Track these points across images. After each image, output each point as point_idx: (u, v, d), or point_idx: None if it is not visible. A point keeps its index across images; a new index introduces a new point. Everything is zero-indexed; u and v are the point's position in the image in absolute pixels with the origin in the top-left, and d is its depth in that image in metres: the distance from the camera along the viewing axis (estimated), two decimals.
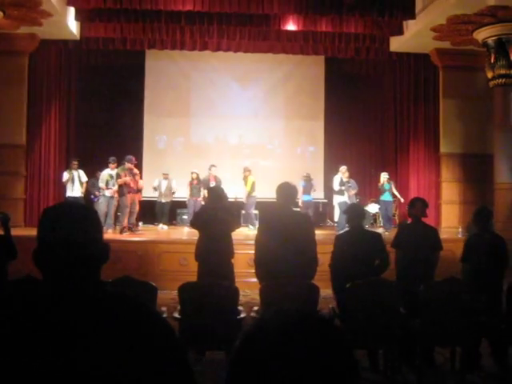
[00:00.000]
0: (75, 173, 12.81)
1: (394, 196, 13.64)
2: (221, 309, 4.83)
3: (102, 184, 12.21)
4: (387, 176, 13.30)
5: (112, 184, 12.15)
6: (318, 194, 15.29)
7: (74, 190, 12.76)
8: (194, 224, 6.67)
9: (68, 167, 13.03)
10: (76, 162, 12.90)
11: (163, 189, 13.71)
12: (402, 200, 13.50)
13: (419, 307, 5.15)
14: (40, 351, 1.33)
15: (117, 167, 12.23)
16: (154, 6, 11.17)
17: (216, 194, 6.72)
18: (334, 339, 1.11)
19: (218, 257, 6.19)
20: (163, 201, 13.67)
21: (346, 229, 6.29)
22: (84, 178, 12.94)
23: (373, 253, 5.65)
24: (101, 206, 12.02)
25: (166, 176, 13.82)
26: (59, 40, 13.05)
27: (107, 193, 12.11)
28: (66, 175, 12.84)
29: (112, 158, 12.38)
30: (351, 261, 5.54)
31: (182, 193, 13.83)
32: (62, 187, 13.05)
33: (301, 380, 1.04)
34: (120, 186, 12.06)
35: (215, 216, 6.33)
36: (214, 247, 6.21)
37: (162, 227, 13.41)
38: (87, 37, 12.93)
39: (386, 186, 13.20)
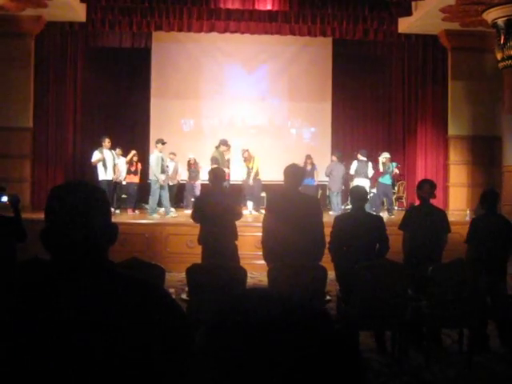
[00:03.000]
0: (108, 153, 12.04)
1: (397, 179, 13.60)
2: (228, 291, 4.84)
3: (157, 168, 11.69)
4: (389, 156, 13.13)
5: (165, 167, 11.93)
6: (323, 177, 15.24)
7: (108, 173, 11.95)
8: (193, 218, 6.50)
9: (100, 146, 12.13)
10: (109, 140, 12.11)
11: (170, 171, 13.14)
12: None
13: (427, 289, 5.15)
14: (49, 331, 1.33)
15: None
16: None
17: (214, 175, 6.54)
18: (327, 336, 0.99)
19: (222, 240, 6.11)
20: (170, 183, 13.13)
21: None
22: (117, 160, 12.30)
23: (374, 236, 5.64)
24: (156, 193, 11.71)
25: (173, 157, 13.41)
26: (65, 22, 12.96)
27: (163, 177, 11.76)
28: (96, 155, 11.93)
29: (160, 139, 11.98)
30: (353, 243, 5.54)
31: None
32: (90, 169, 12.45)
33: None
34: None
35: (217, 202, 6.17)
36: (217, 231, 6.12)
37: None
38: (93, 18, 12.82)
39: (390, 168, 12.99)
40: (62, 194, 1.50)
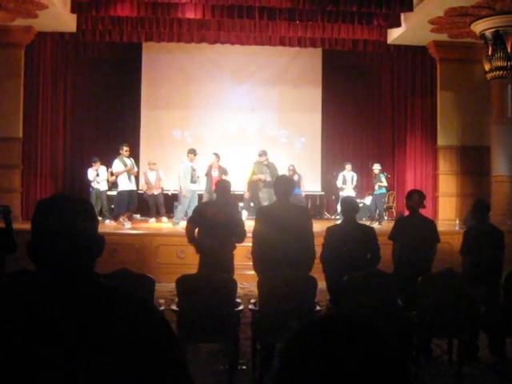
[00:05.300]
0: (128, 161, 11.68)
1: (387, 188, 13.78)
2: (219, 301, 4.83)
3: (185, 179, 11.57)
4: (379, 167, 13.50)
5: (196, 177, 11.81)
6: (315, 187, 15.28)
7: (132, 182, 11.71)
8: (187, 230, 6.26)
9: (118, 155, 11.82)
10: (128, 148, 11.80)
11: (153, 180, 13.17)
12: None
13: (416, 299, 5.16)
14: (33, 344, 1.32)
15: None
16: None
17: (222, 187, 6.41)
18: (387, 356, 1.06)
19: (221, 251, 6.02)
20: (155, 193, 13.12)
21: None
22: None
23: (365, 246, 5.66)
24: (185, 201, 11.57)
25: (153, 167, 13.31)
26: (55, 32, 12.93)
27: (193, 187, 11.64)
28: (119, 165, 11.57)
29: (192, 149, 11.83)
30: (343, 253, 5.55)
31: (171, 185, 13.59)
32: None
33: None
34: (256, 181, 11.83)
35: (218, 211, 6.05)
36: (215, 242, 5.98)
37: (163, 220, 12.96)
38: (84, 29, 12.81)
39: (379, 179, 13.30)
40: (48, 206, 1.50)
